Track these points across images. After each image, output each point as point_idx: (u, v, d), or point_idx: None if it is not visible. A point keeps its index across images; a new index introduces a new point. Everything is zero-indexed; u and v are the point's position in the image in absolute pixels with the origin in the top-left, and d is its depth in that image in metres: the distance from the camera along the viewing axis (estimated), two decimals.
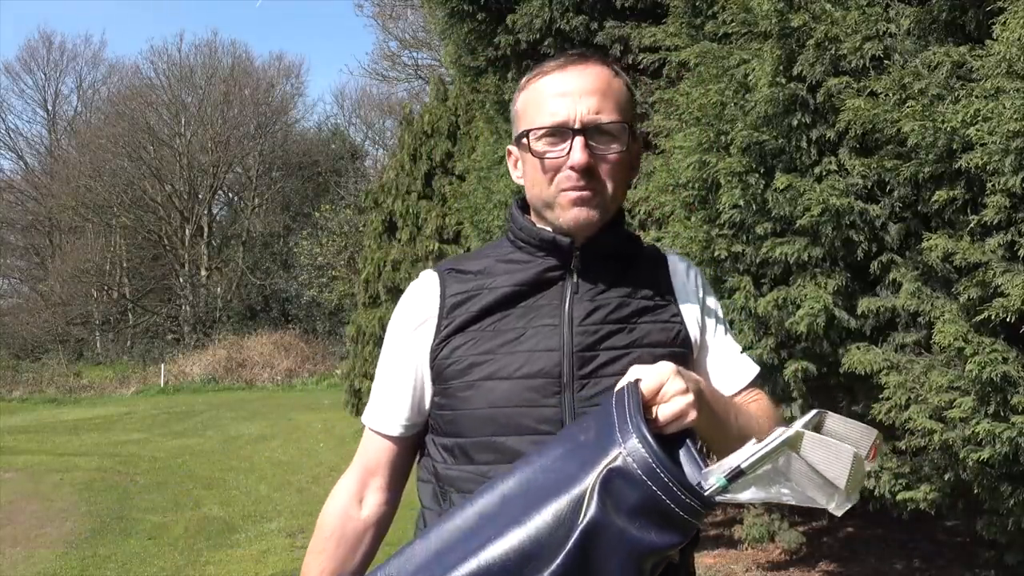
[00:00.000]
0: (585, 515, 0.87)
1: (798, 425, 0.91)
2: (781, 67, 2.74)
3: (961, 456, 2.53)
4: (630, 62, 4.50)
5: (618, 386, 0.97)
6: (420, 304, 1.21)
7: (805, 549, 4.72)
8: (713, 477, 0.90)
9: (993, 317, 2.28)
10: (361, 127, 28.27)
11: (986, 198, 2.31)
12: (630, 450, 0.89)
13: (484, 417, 1.12)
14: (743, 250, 3.03)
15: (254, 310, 24.93)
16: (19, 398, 17.98)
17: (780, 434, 0.90)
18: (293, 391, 17.83)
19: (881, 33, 2.59)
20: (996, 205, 2.27)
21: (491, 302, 1.16)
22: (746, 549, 4.91)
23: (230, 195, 28.55)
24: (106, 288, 25.93)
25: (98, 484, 7.91)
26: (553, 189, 1.14)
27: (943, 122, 2.30)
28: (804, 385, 3.13)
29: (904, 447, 2.85)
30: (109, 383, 19.47)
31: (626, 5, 4.38)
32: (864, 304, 2.76)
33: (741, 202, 2.90)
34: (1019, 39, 2.15)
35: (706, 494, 0.89)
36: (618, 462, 0.88)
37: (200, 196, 26.23)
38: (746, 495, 0.91)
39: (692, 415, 0.95)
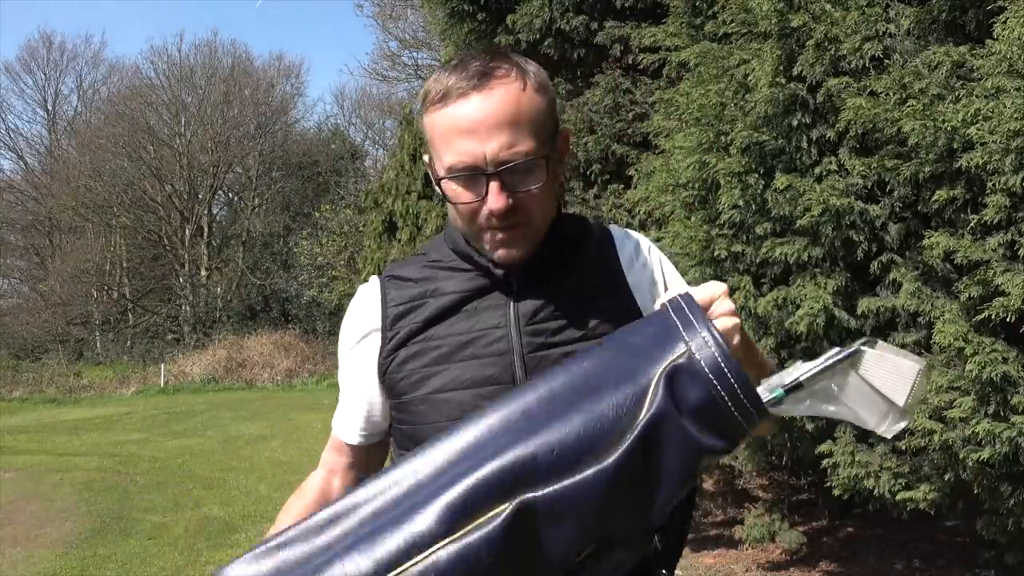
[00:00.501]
0: (651, 406, 0.85)
1: (856, 345, 0.91)
2: (781, 67, 2.74)
3: (961, 456, 2.52)
4: (630, 62, 4.51)
5: (665, 297, 0.96)
6: (362, 316, 1.18)
7: (805, 549, 4.72)
8: (769, 388, 0.90)
9: (993, 316, 2.28)
10: (361, 127, 28.29)
11: (986, 197, 2.31)
12: (698, 347, 0.88)
13: (443, 430, 1.07)
14: (743, 250, 3.03)
15: (254, 310, 24.92)
16: (19, 398, 17.98)
17: (840, 351, 0.90)
18: (293, 391, 17.82)
19: (881, 33, 2.59)
20: (996, 204, 2.27)
21: (435, 311, 1.11)
22: (746, 549, 4.91)
23: (230, 195, 28.56)
24: (106, 288, 25.93)
25: (98, 484, 7.90)
26: (474, 229, 1.07)
27: (943, 121, 2.30)
28: None
29: (904, 447, 2.85)
30: (109, 383, 19.46)
31: (626, 5, 4.39)
32: (864, 304, 2.76)
33: (741, 202, 2.91)
34: (1019, 38, 2.15)
35: (763, 403, 0.88)
36: (683, 360, 0.87)
37: (200, 196, 26.23)
38: (799, 409, 0.91)
39: (737, 338, 0.95)
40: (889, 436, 0.91)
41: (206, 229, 26.27)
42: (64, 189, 25.18)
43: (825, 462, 3.19)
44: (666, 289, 1.17)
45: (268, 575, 0.87)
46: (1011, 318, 2.28)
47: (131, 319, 25.65)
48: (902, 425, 0.91)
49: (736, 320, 0.96)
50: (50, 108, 29.93)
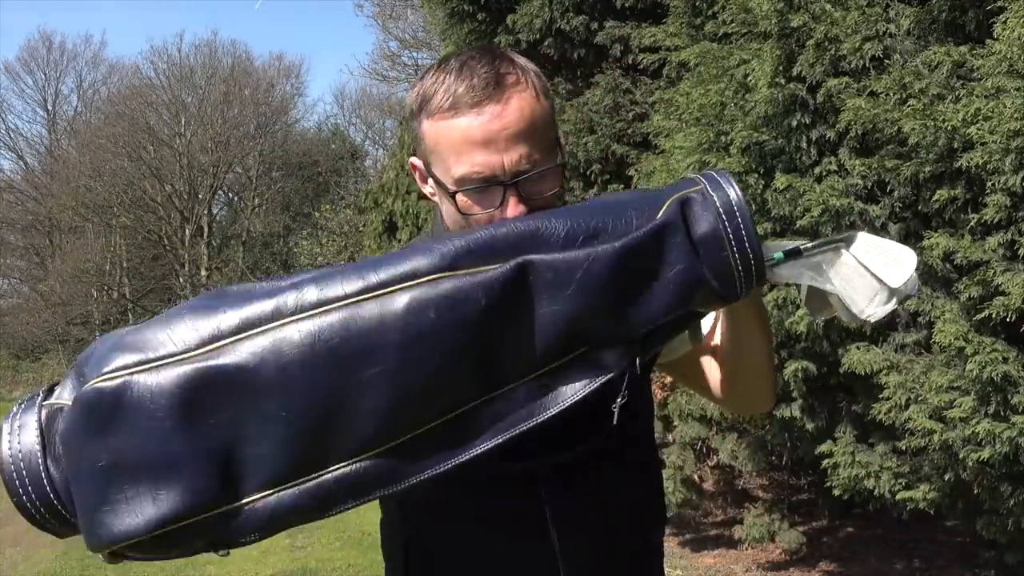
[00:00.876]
0: (663, 216, 0.87)
1: (857, 233, 0.95)
2: (781, 67, 2.74)
3: (961, 456, 2.52)
4: (630, 62, 4.51)
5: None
6: None
7: (805, 549, 4.72)
8: (768, 251, 0.93)
9: (994, 316, 2.28)
10: (361, 127, 28.25)
11: (986, 197, 2.31)
12: (714, 187, 0.90)
13: None
14: None
15: None
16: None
17: (837, 234, 0.95)
18: None
19: (881, 33, 2.59)
20: (997, 204, 2.27)
21: None
22: (746, 549, 4.91)
23: (230, 195, 28.55)
24: (106, 288, 25.92)
25: None
26: None
27: (943, 121, 2.30)
28: (804, 385, 3.13)
29: (904, 447, 2.85)
30: None
31: (626, 5, 4.39)
32: None
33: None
34: (1019, 38, 2.15)
35: (764, 258, 0.90)
36: (696, 195, 0.89)
37: (200, 196, 26.22)
38: (793, 276, 0.95)
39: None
40: (874, 319, 0.94)
41: (206, 229, 26.27)
42: (64, 189, 25.17)
43: (825, 462, 3.19)
44: None
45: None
46: (1011, 318, 2.28)
47: (131, 319, 25.64)
48: (889, 308, 0.93)
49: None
50: (50, 108, 29.93)
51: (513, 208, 0.99)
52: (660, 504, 1.19)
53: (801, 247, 0.94)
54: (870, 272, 0.93)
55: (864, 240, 0.95)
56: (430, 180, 1.07)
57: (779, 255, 0.94)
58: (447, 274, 0.82)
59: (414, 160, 1.10)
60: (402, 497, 1.01)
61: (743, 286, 0.89)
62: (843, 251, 0.94)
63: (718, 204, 0.88)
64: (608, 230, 0.87)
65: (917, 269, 0.94)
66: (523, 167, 0.99)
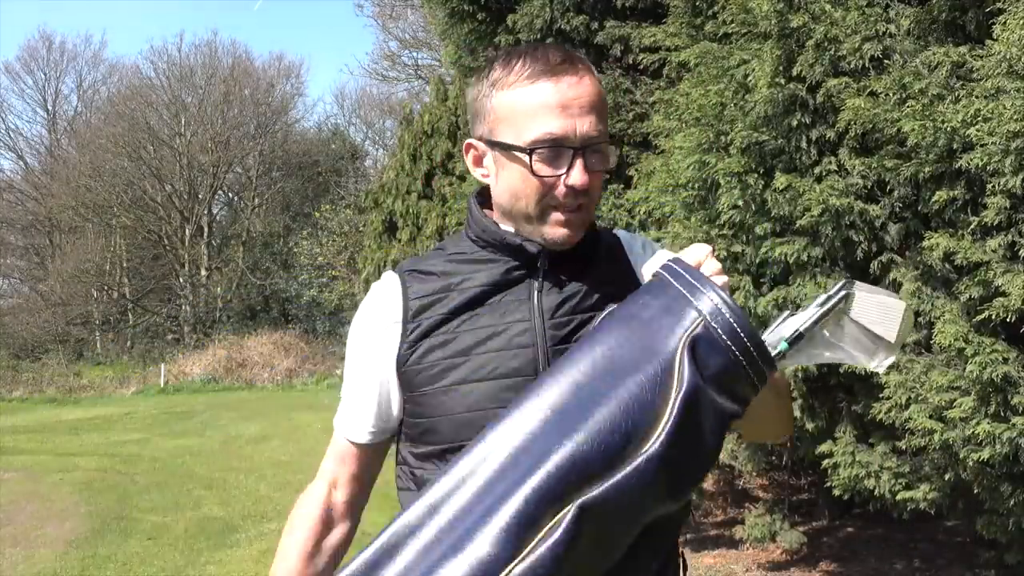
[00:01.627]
0: (682, 382, 0.86)
1: (838, 288, 0.97)
2: (781, 67, 2.74)
3: (961, 456, 2.53)
4: (630, 62, 4.51)
5: (656, 266, 1.01)
6: (380, 309, 1.17)
7: (806, 549, 4.72)
8: (772, 343, 0.95)
9: (994, 317, 2.28)
10: (361, 127, 28.25)
11: (986, 198, 2.31)
12: (711, 313, 0.89)
13: (463, 421, 1.08)
14: (743, 250, 3.03)
15: (254, 310, 24.92)
16: (19, 398, 17.98)
17: (829, 296, 0.96)
18: (293, 391, 17.82)
19: (881, 33, 2.59)
20: (996, 205, 2.27)
21: (460, 303, 1.13)
22: (747, 549, 4.91)
23: (230, 195, 28.55)
24: (106, 288, 25.92)
25: (98, 484, 7.90)
26: (542, 205, 1.10)
27: (943, 122, 2.30)
28: (804, 385, 3.13)
29: (904, 447, 2.85)
30: (109, 383, 19.46)
31: (626, 5, 4.39)
32: None
33: (740, 202, 2.91)
34: (1019, 39, 2.15)
35: (774, 359, 0.92)
36: (699, 329, 0.89)
37: (200, 196, 26.22)
38: (799, 359, 0.97)
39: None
40: (881, 371, 0.97)
41: (206, 229, 26.26)
42: (64, 189, 25.16)
43: (825, 462, 3.19)
44: None
45: None
46: (1011, 318, 2.28)
47: (131, 319, 25.64)
48: (891, 360, 0.96)
49: (725, 278, 1.01)
50: (50, 108, 29.92)
51: (579, 172, 1.07)
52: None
53: (802, 329, 0.96)
54: (867, 331, 0.95)
55: (859, 299, 0.96)
56: (489, 154, 1.14)
57: (784, 345, 0.96)
58: (514, 564, 0.80)
59: (470, 141, 1.17)
60: None
61: (760, 386, 0.92)
62: (845, 317, 0.96)
63: (724, 336, 0.89)
64: (637, 418, 0.84)
65: (908, 312, 0.97)
66: (592, 135, 1.07)
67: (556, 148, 1.07)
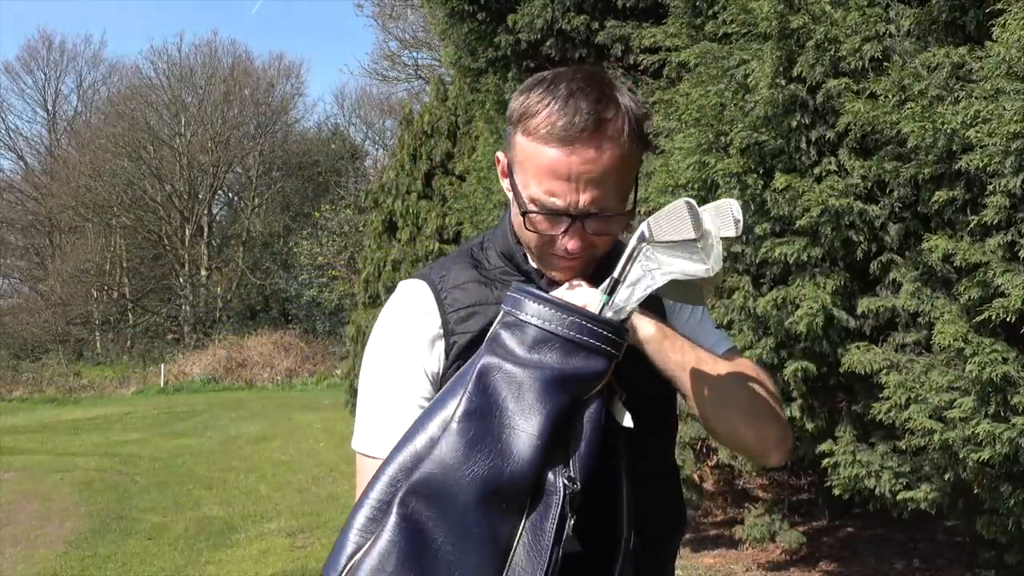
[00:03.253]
0: (476, 363, 1.00)
1: (641, 228, 1.01)
2: (781, 68, 2.74)
3: (961, 456, 2.53)
4: (631, 62, 4.50)
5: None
6: (419, 320, 1.13)
7: (805, 549, 4.72)
8: (596, 298, 1.02)
9: (993, 317, 2.28)
10: (361, 127, 28.27)
11: (986, 199, 2.31)
12: (510, 301, 1.03)
13: None
14: (742, 250, 3.04)
15: (254, 310, 24.93)
16: (19, 398, 17.99)
17: (631, 237, 1.02)
18: (293, 391, 17.83)
19: (881, 34, 2.59)
20: (996, 206, 2.27)
21: (489, 321, 1.09)
22: (746, 549, 4.91)
23: (230, 195, 28.56)
24: (106, 288, 25.92)
25: (98, 484, 7.91)
26: (541, 252, 1.11)
27: (943, 123, 2.30)
28: (804, 385, 3.14)
29: (904, 447, 2.85)
30: (109, 383, 19.48)
31: (627, 5, 4.38)
32: (864, 304, 2.76)
33: (740, 202, 2.90)
34: (1019, 40, 2.15)
35: (598, 313, 0.99)
36: (507, 319, 1.02)
37: (200, 196, 26.22)
38: (635, 298, 1.00)
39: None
40: (716, 269, 0.99)
41: (206, 229, 26.27)
42: (64, 189, 25.17)
43: (825, 462, 3.20)
44: (676, 305, 1.22)
45: None
46: (1011, 319, 2.28)
47: (131, 319, 25.65)
48: (716, 252, 1.00)
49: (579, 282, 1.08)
50: (50, 108, 29.92)
51: (572, 239, 1.06)
52: (677, 511, 1.23)
53: (615, 275, 1.01)
54: (677, 243, 0.99)
55: (651, 225, 1.00)
56: (503, 163, 1.15)
57: (604, 297, 1.01)
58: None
59: (500, 155, 1.16)
60: None
61: (617, 344, 0.99)
62: (645, 247, 1.00)
63: (525, 312, 1.01)
64: (443, 415, 0.99)
65: (691, 206, 1.00)
66: (592, 210, 1.05)
67: (552, 214, 1.06)
